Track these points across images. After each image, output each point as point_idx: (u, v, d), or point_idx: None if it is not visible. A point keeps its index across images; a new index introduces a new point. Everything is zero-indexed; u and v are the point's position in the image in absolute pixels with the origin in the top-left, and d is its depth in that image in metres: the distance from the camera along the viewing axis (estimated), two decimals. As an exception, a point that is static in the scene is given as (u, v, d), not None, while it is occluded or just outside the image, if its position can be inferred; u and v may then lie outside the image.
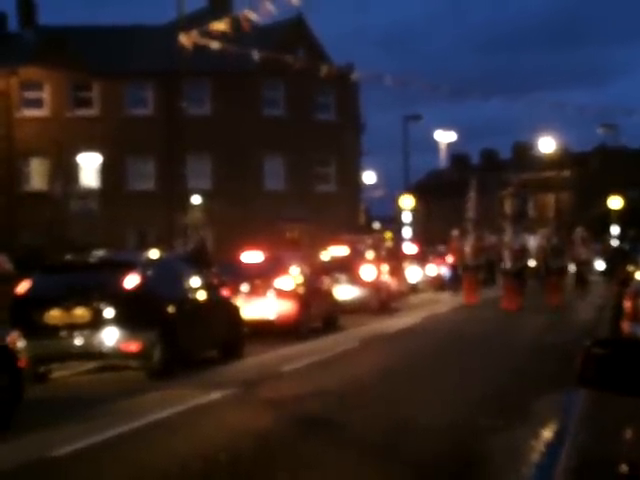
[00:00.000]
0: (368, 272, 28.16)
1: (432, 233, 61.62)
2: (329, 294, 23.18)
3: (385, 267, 29.60)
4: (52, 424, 10.26)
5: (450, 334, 20.42)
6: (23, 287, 14.29)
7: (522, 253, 29.60)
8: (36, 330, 13.15)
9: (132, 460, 8.60)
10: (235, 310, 17.32)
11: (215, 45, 24.66)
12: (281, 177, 48.26)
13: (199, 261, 20.86)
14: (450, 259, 35.82)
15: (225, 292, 17.25)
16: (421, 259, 40.59)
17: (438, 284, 39.29)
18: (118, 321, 13.62)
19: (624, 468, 3.32)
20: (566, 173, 79.49)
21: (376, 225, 64.01)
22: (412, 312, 26.88)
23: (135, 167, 46.91)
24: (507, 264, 27.87)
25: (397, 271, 31.78)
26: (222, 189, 45.73)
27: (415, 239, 50.75)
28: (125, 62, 46.51)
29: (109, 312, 13.64)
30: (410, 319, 24.27)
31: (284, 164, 48.23)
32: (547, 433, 9.20)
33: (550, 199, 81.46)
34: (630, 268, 23.03)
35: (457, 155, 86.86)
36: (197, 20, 29.05)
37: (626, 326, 13.06)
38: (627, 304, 13.36)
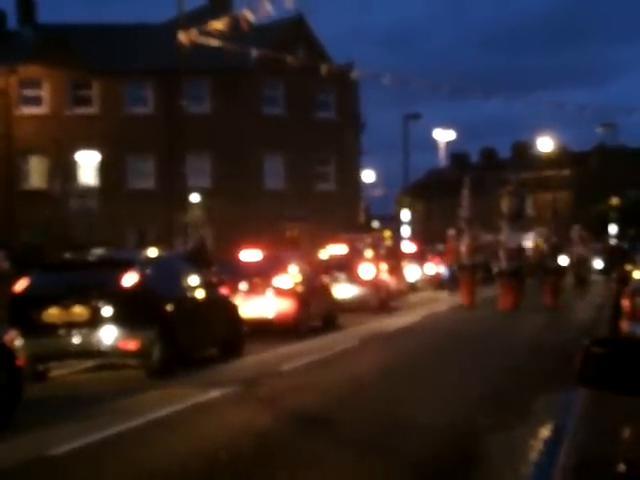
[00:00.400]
0: (367, 271, 28.17)
1: (431, 232, 61.67)
2: (328, 293, 23.18)
3: (384, 266, 29.60)
4: (51, 423, 10.25)
5: (449, 333, 20.42)
6: (22, 285, 14.28)
7: (518, 253, 29.49)
8: (35, 328, 13.14)
9: (131, 459, 8.59)
10: (234, 309, 17.32)
11: (215, 44, 24.65)
12: (281, 176, 48.26)
13: (199, 260, 20.86)
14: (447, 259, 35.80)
15: (224, 291, 17.24)
16: (420, 258, 40.62)
17: (437, 283, 39.33)
18: (117, 319, 13.62)
19: (622, 467, 3.32)
20: (565, 172, 79.56)
21: (375, 224, 63.98)
22: (411, 311, 26.89)
23: (135, 165, 46.90)
24: (503, 264, 27.63)
25: (396, 270, 31.79)
26: (222, 188, 45.72)
27: (414, 238, 50.80)
28: (125, 60, 46.49)
29: (108, 310, 13.64)
30: (409, 318, 24.28)
31: (284, 163, 48.23)
32: (546, 432, 9.20)
33: (549, 198, 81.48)
34: (629, 267, 23.05)
35: (457, 154, 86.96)
36: (197, 18, 29.03)
37: (625, 325, 13.06)
38: (626, 303, 13.37)
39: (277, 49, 32.02)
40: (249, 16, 18.68)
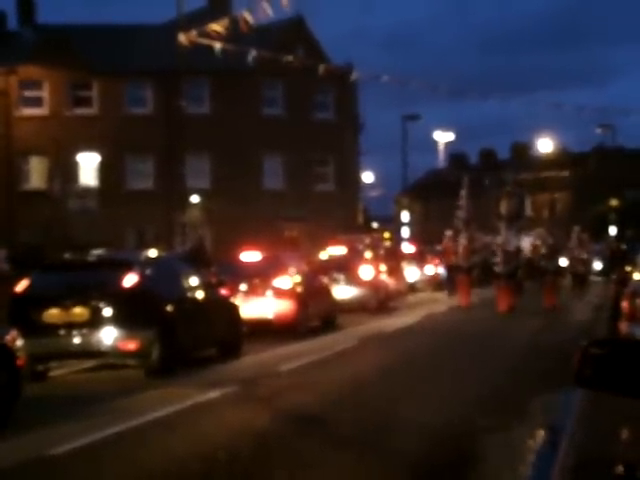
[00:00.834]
0: (366, 271, 28.18)
1: (430, 233, 61.63)
2: (328, 293, 23.20)
3: (383, 267, 29.61)
4: (50, 422, 10.27)
5: (448, 333, 20.44)
6: (22, 286, 14.30)
7: (516, 254, 29.41)
8: (35, 329, 13.16)
9: (131, 459, 8.60)
10: (234, 309, 17.34)
11: (214, 44, 24.64)
12: (280, 176, 48.26)
13: (198, 260, 20.89)
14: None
15: (224, 291, 17.26)
16: (419, 259, 40.63)
17: (436, 283, 39.33)
18: (116, 320, 13.64)
19: (620, 469, 3.33)
20: (564, 173, 79.53)
21: (374, 225, 64.02)
22: (410, 311, 26.91)
23: (134, 166, 46.90)
24: (500, 265, 27.46)
25: (395, 271, 31.79)
26: (221, 188, 45.72)
27: (413, 239, 50.80)
28: (124, 61, 46.48)
29: (108, 311, 13.66)
30: (408, 318, 24.29)
31: (283, 163, 48.23)
32: (544, 432, 9.21)
33: (548, 199, 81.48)
34: (628, 268, 23.07)
35: (456, 155, 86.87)
36: (196, 19, 29.04)
37: (624, 326, 13.07)
38: (625, 304, 13.38)
39: (277, 50, 32.00)
40: (248, 18, 18.68)
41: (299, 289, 20.86)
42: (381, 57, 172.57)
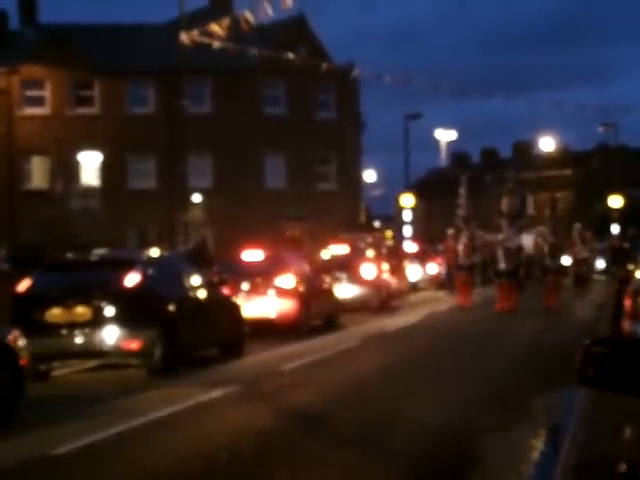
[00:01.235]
0: (368, 271, 28.15)
1: (432, 232, 61.58)
2: (329, 293, 23.20)
3: (385, 266, 29.59)
4: (53, 422, 10.27)
5: (450, 333, 20.43)
6: (24, 285, 14.30)
7: (517, 252, 29.25)
8: (37, 328, 13.16)
9: (132, 458, 8.61)
10: (236, 308, 17.34)
11: (216, 44, 24.65)
12: (282, 175, 48.26)
13: (200, 259, 20.89)
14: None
15: (226, 290, 17.26)
16: (421, 258, 40.58)
17: (438, 283, 39.28)
18: (119, 319, 13.64)
19: (623, 467, 3.33)
20: (567, 172, 79.48)
21: (376, 224, 63.98)
22: (412, 311, 26.89)
23: (136, 165, 46.93)
24: (501, 264, 27.37)
25: (397, 270, 31.76)
26: (223, 187, 45.74)
27: (415, 238, 50.73)
28: (126, 60, 46.50)
29: (110, 310, 13.66)
30: (410, 318, 24.28)
31: (285, 162, 48.23)
32: (546, 431, 9.21)
33: (550, 198, 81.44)
34: (630, 267, 23.04)
35: (457, 154, 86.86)
36: (198, 19, 29.04)
37: (626, 325, 13.06)
38: (627, 303, 13.37)
39: (278, 49, 32.00)
40: (250, 17, 18.66)
41: (301, 288, 20.86)
42: (383, 56, 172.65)
